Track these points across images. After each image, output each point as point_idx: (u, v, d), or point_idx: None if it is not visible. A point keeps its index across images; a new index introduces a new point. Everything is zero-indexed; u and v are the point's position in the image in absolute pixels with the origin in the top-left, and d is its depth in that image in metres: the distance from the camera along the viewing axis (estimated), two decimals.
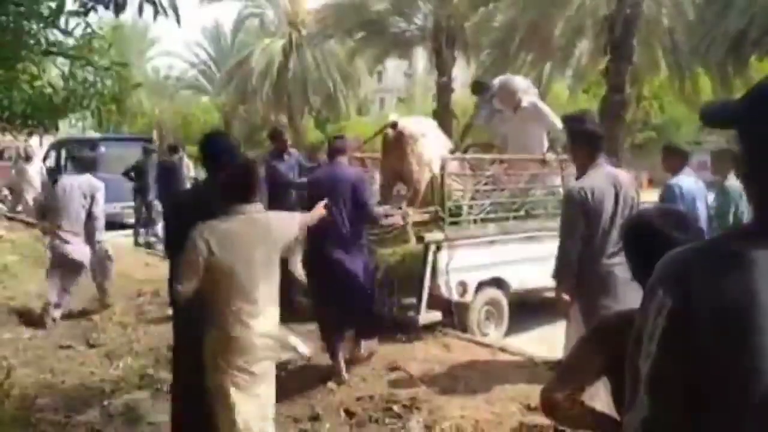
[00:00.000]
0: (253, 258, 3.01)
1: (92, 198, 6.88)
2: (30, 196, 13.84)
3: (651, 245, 1.80)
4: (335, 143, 5.29)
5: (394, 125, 6.26)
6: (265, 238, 3.07)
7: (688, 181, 5.09)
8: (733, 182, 5.10)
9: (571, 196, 3.85)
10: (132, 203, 12.13)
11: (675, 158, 5.23)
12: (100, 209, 6.96)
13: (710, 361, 1.12)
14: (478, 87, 7.81)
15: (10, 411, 4.26)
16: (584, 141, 3.89)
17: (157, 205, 11.35)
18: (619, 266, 3.74)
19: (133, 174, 11.92)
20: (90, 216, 6.87)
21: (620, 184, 3.80)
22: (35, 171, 14.20)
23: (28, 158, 14.18)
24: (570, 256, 3.83)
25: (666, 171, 5.21)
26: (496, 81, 7.43)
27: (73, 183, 6.97)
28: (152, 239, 11.63)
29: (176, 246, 3.21)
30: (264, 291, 3.05)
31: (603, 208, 3.75)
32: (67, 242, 6.73)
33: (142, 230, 11.90)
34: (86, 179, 6.99)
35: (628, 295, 3.72)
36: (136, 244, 11.75)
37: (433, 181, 6.11)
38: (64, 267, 6.77)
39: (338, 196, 4.88)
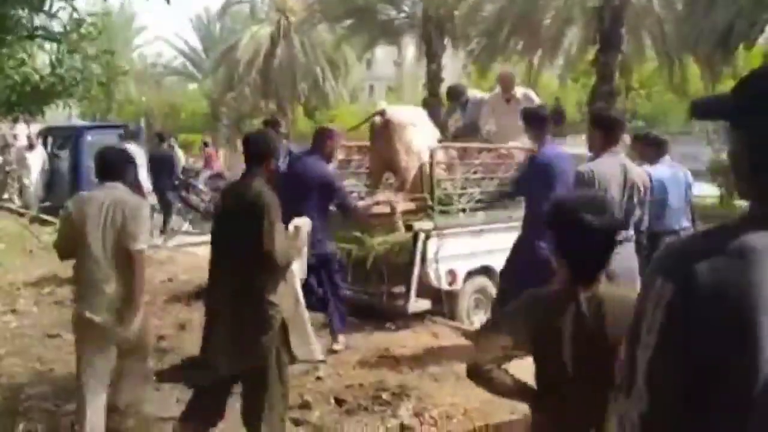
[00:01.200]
0: (95, 224, 3.46)
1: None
2: (29, 184, 13.45)
3: (564, 225, 2.02)
4: (319, 134, 5.46)
5: (382, 113, 6.25)
6: (109, 212, 3.48)
7: (660, 170, 5.11)
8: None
9: (578, 176, 3.85)
10: None
11: (651, 148, 5.26)
12: (142, 176, 8.02)
13: (711, 354, 1.09)
14: (454, 92, 7.84)
15: None
16: (602, 126, 3.90)
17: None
18: (615, 256, 3.71)
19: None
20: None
21: (630, 176, 3.78)
22: (36, 158, 13.70)
23: (30, 146, 13.77)
24: None
25: (641, 159, 5.21)
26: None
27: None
28: None
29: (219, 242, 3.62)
30: (104, 263, 3.44)
31: (608, 192, 3.67)
32: None
33: None
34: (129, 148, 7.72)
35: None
36: None
37: (422, 169, 6.11)
38: None
39: (304, 189, 5.09)
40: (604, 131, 3.90)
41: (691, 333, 1.10)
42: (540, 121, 4.88)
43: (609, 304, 1.96)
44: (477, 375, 2.04)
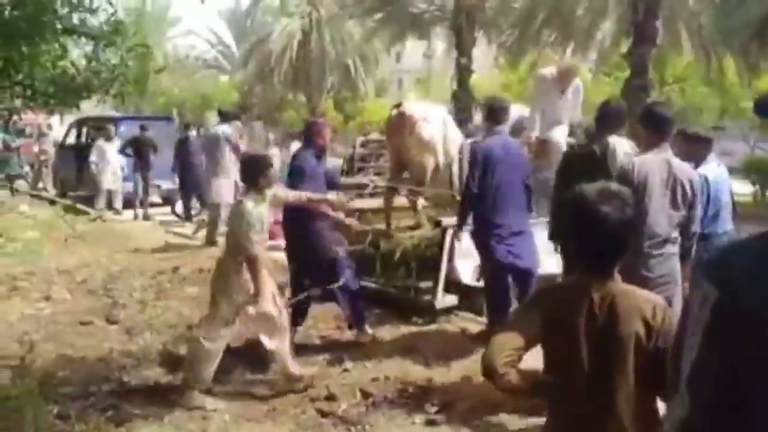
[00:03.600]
0: None
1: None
2: (109, 183, 12.22)
3: (580, 217, 1.96)
4: (308, 129, 5.44)
5: (397, 107, 6.30)
6: None
7: (718, 171, 4.94)
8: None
9: (619, 170, 3.78)
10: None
11: (700, 146, 5.05)
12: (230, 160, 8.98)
13: (753, 360, 1.06)
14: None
15: (32, 384, 4.34)
16: (649, 123, 3.82)
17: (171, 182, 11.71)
18: (658, 257, 3.56)
19: (130, 150, 12.23)
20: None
21: (675, 174, 3.63)
22: (114, 153, 12.41)
23: (108, 138, 12.57)
24: None
25: (687, 159, 5.04)
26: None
27: (218, 131, 9.24)
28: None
29: None
30: None
31: (648, 187, 3.59)
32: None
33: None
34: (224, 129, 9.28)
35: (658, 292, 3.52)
36: (135, 217, 12.03)
37: (450, 165, 6.11)
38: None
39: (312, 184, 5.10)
40: (651, 128, 3.80)
41: (734, 339, 1.08)
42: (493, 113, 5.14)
43: (621, 303, 1.91)
44: (493, 378, 1.97)
